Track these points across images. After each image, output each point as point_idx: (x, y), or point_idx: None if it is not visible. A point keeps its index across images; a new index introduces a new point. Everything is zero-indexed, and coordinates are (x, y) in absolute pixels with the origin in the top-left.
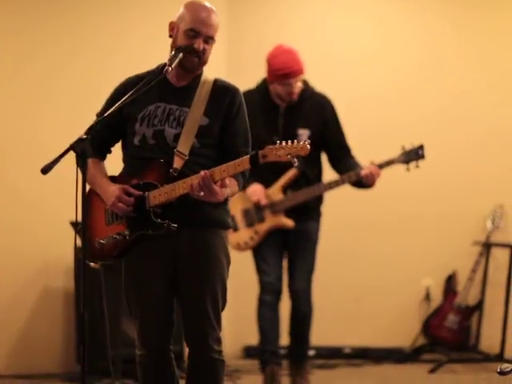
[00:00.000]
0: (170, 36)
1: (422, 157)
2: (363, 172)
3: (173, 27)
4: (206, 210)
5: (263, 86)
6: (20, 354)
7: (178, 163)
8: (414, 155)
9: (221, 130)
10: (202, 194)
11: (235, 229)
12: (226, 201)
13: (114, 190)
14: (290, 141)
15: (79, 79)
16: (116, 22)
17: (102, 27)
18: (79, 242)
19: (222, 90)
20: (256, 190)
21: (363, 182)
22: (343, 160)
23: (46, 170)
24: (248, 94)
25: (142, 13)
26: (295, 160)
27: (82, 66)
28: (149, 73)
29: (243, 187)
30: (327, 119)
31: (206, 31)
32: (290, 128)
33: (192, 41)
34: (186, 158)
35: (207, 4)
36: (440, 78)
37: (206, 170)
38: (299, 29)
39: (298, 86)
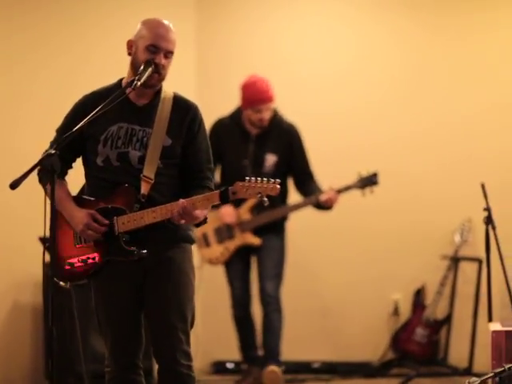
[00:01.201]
0: (129, 54)
1: (375, 183)
2: (322, 197)
3: (131, 45)
4: (171, 228)
5: (236, 114)
6: None
7: (145, 188)
8: (368, 181)
9: (183, 148)
10: (184, 221)
11: (208, 244)
12: None
13: (82, 216)
14: (259, 179)
15: (52, 90)
16: (86, 34)
17: (75, 37)
18: (48, 258)
19: (182, 108)
20: (227, 212)
21: (322, 205)
22: (306, 184)
23: (14, 185)
24: (221, 121)
25: (114, 24)
26: (266, 200)
27: (54, 76)
28: (107, 89)
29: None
30: (293, 146)
31: (166, 46)
32: (260, 153)
33: (153, 56)
34: (152, 181)
35: (164, 21)
36: (411, 98)
37: (183, 200)
38: (267, 39)
39: (269, 113)
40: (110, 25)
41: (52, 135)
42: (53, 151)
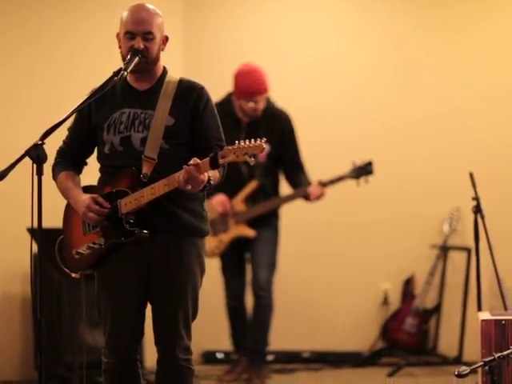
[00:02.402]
0: (120, 47)
1: (370, 172)
2: (310, 193)
3: (119, 38)
4: (181, 217)
5: (227, 101)
6: None
7: (147, 168)
8: (363, 171)
9: (190, 127)
10: (190, 186)
11: None
12: (201, 205)
13: (84, 199)
14: (247, 140)
15: (45, 85)
16: (73, 32)
17: (64, 34)
18: (36, 249)
19: (187, 89)
20: (221, 201)
21: (310, 199)
22: (295, 175)
23: (1, 176)
24: None
25: (101, 20)
26: (252, 159)
27: (48, 71)
28: (108, 80)
29: (208, 197)
30: (285, 134)
31: (141, 29)
32: None
33: (131, 42)
34: (155, 161)
35: (143, 4)
36: (401, 83)
37: (186, 166)
38: (256, 32)
39: (263, 103)
40: (100, 19)
41: (40, 129)
42: (39, 142)
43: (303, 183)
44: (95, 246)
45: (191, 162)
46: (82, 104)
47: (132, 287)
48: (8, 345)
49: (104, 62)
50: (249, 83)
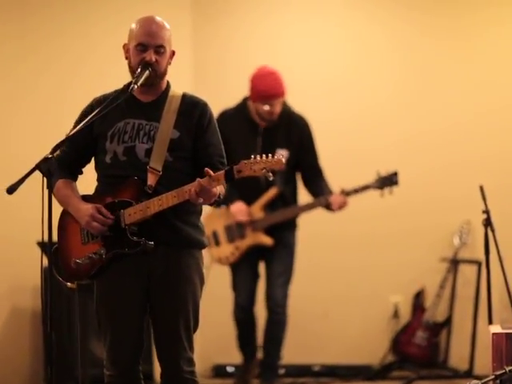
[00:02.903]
0: (126, 58)
1: (395, 183)
2: (334, 205)
3: (127, 49)
4: (181, 229)
5: (243, 106)
6: None
7: (151, 180)
8: (388, 181)
9: (193, 143)
10: (201, 200)
11: (218, 243)
12: (199, 219)
13: (87, 208)
14: (264, 155)
15: (48, 94)
16: (78, 41)
17: (68, 44)
18: (46, 262)
19: (191, 104)
20: (239, 209)
21: (331, 208)
22: (314, 181)
23: (11, 190)
24: (227, 112)
25: (105, 30)
26: (270, 174)
27: (50, 81)
28: (115, 92)
29: (227, 203)
30: (303, 139)
31: (153, 42)
32: (269, 148)
33: (142, 55)
34: (160, 173)
35: (153, 17)
36: (409, 101)
37: (200, 179)
38: (264, 41)
39: (279, 107)
40: (106, 29)
41: (48, 139)
42: (49, 155)
43: (324, 191)
44: (95, 257)
45: (207, 170)
46: (93, 117)
47: (132, 299)
48: (18, 358)
49: (107, 72)
50: (265, 86)
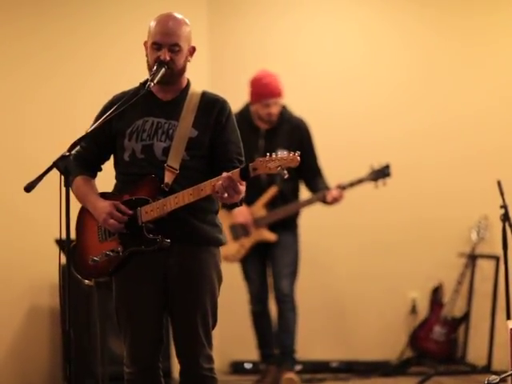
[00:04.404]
0: (146, 55)
1: (388, 175)
2: (328, 197)
3: (146, 47)
4: (198, 226)
5: (245, 110)
6: (7, 373)
7: (168, 178)
8: (381, 174)
9: (211, 140)
10: (226, 195)
11: None
12: (217, 217)
13: (105, 206)
14: (279, 153)
15: (61, 92)
16: (93, 39)
17: (83, 42)
18: (64, 260)
19: (210, 102)
20: (241, 211)
21: (328, 203)
22: (314, 180)
23: (28, 188)
24: None
25: (121, 28)
26: (285, 172)
27: (62, 79)
28: (135, 89)
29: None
30: (303, 141)
31: (168, 40)
32: (270, 149)
33: (157, 53)
34: (177, 172)
35: (171, 14)
36: (426, 90)
37: (227, 173)
38: (280, 39)
39: (277, 108)
40: (121, 26)
41: (61, 136)
42: (67, 153)
43: (321, 187)
44: (112, 254)
45: (224, 174)
46: (111, 114)
47: (150, 296)
48: (37, 356)
49: (121, 70)
50: (262, 86)
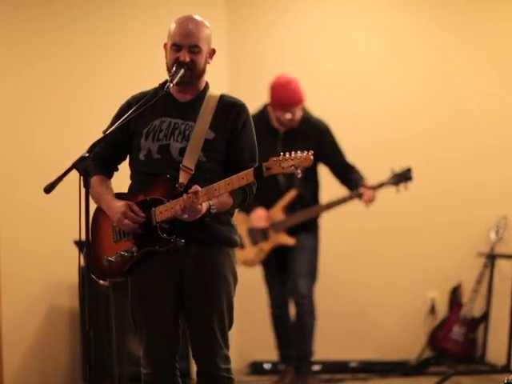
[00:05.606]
0: (166, 57)
1: (409, 179)
2: (363, 197)
3: (166, 49)
4: (213, 227)
5: (264, 112)
6: (27, 373)
7: (183, 178)
8: (403, 178)
9: (227, 144)
10: (186, 216)
11: (242, 246)
12: (232, 218)
13: (119, 206)
14: (293, 152)
15: (75, 93)
16: (116, 33)
17: (98, 42)
18: (83, 261)
19: (227, 105)
20: (258, 215)
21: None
22: (348, 176)
23: (48, 189)
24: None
25: (137, 29)
26: (299, 172)
27: (81, 76)
28: (154, 90)
29: (247, 209)
30: (324, 143)
31: (188, 42)
32: (289, 151)
33: (177, 54)
34: (192, 172)
35: (191, 16)
36: (442, 90)
37: (186, 194)
38: (299, 40)
39: (299, 113)
40: (138, 27)
41: (75, 137)
42: (86, 154)
43: (357, 181)
44: (127, 254)
45: (192, 189)
46: (130, 114)
47: (166, 297)
48: (57, 357)
49: (138, 69)
50: (285, 95)
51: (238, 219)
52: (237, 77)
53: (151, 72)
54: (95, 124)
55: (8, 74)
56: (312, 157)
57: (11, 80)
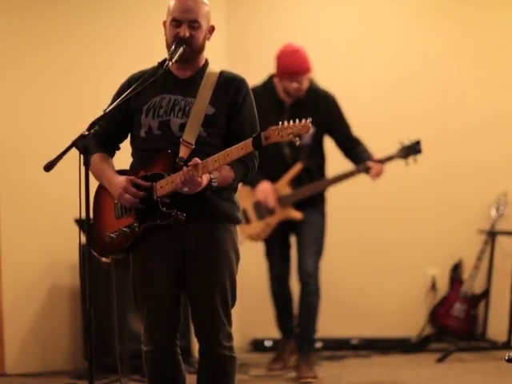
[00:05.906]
0: (165, 35)
1: (419, 152)
2: (370, 171)
3: (165, 26)
4: (215, 203)
5: (269, 83)
6: (28, 352)
7: (184, 152)
8: (411, 150)
9: (227, 119)
10: (187, 189)
11: (248, 221)
12: (234, 195)
13: (120, 181)
14: (291, 120)
15: (82, 76)
16: (118, 20)
17: (105, 25)
18: (84, 239)
19: (227, 81)
20: (265, 189)
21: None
22: (354, 150)
23: (48, 168)
24: (254, 90)
25: (144, 10)
26: (297, 139)
27: (85, 63)
28: (153, 68)
29: (252, 183)
30: (331, 114)
31: (187, 17)
32: None
33: (176, 30)
34: (193, 147)
35: None
36: (439, 65)
37: (186, 168)
38: (299, 23)
39: (306, 83)
40: (143, 10)
41: (84, 119)
42: (86, 132)
43: (363, 155)
44: (128, 230)
45: (191, 162)
46: (129, 93)
47: (167, 273)
48: (58, 335)
49: (144, 52)
50: (292, 63)
51: (244, 193)
52: (236, 54)
53: (157, 55)
54: (99, 107)
55: (14, 61)
56: (310, 124)
57: (17, 67)
